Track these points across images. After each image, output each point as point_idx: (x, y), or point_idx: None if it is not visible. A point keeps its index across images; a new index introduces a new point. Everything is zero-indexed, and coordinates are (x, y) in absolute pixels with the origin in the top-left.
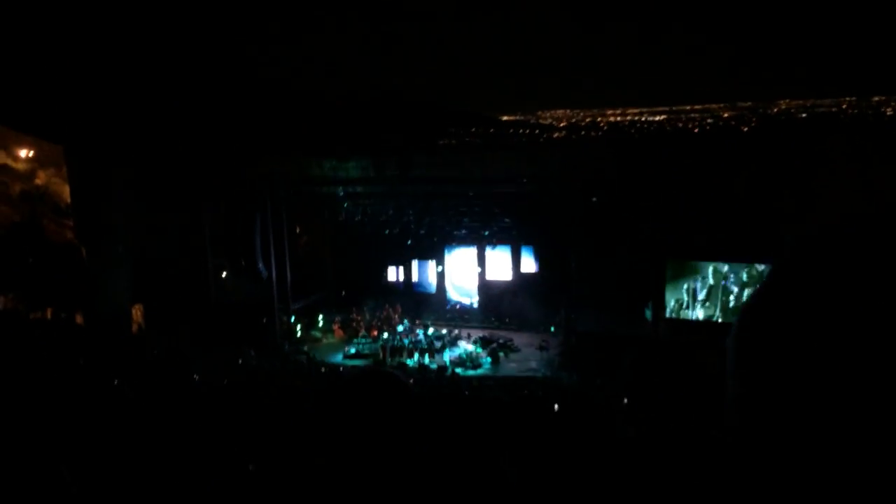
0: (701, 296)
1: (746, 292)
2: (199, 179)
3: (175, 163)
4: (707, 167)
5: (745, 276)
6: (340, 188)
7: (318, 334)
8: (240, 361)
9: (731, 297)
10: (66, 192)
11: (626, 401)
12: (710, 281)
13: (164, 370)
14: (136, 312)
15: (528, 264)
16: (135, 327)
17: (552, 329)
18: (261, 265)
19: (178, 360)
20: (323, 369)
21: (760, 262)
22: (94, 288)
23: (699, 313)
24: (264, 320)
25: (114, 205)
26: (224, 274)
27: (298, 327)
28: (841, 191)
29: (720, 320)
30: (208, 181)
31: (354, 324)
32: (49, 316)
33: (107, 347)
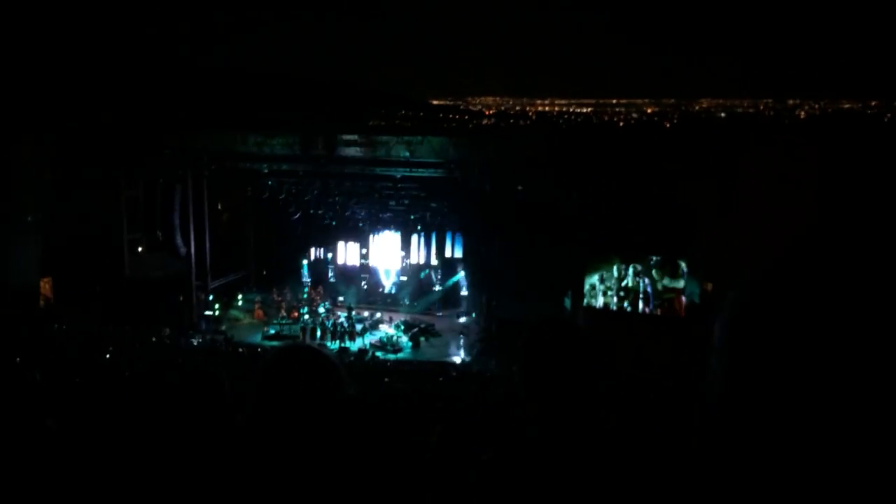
0: (608, 284)
1: (638, 283)
2: (115, 149)
3: (91, 131)
4: (630, 162)
5: (639, 267)
6: (265, 165)
7: (237, 314)
8: (153, 339)
9: (628, 286)
10: None
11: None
12: (615, 273)
13: (71, 348)
14: (45, 286)
15: (453, 250)
16: (42, 301)
17: (473, 315)
18: (179, 241)
19: (87, 339)
20: (241, 350)
21: (677, 257)
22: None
23: (600, 301)
24: (181, 298)
25: (22, 172)
26: (140, 249)
27: (217, 306)
28: (758, 191)
29: (615, 308)
30: (126, 152)
31: (275, 305)
32: None
33: (11, 322)
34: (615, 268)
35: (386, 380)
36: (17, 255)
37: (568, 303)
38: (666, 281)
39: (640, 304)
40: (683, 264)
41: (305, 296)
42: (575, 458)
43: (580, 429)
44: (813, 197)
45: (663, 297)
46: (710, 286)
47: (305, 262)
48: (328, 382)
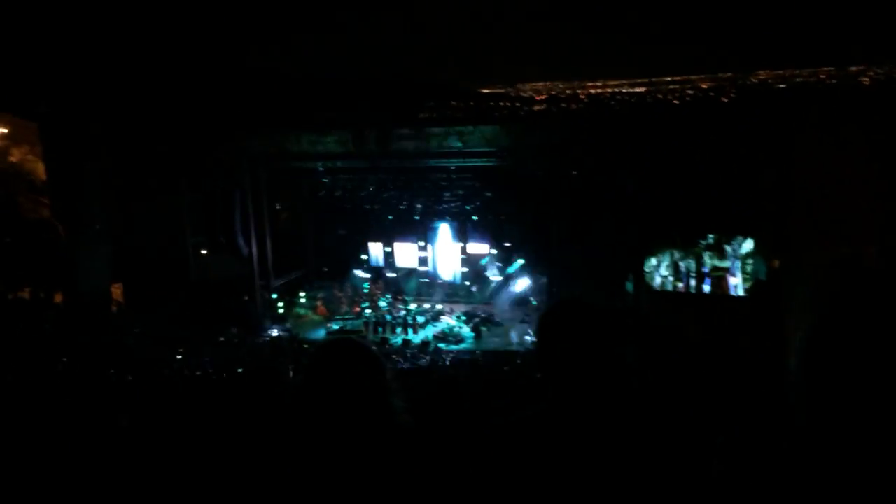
0: (664, 264)
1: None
2: (176, 156)
3: (152, 140)
4: (688, 139)
5: (699, 248)
6: (319, 163)
7: (301, 311)
8: (221, 339)
9: (683, 266)
10: (40, 169)
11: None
12: (670, 255)
13: (144, 351)
14: (116, 291)
15: (510, 238)
16: (114, 306)
17: (534, 303)
18: (241, 242)
19: (159, 341)
20: (306, 346)
21: (739, 235)
22: (72, 267)
23: (658, 283)
24: (246, 298)
25: (90, 182)
26: (204, 252)
27: (280, 304)
28: (820, 163)
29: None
30: (186, 158)
31: (337, 300)
32: (28, 296)
33: (87, 327)
34: (670, 250)
35: (450, 371)
36: (88, 263)
37: (630, 286)
38: (715, 261)
39: (693, 283)
40: (728, 246)
41: (367, 290)
42: (584, 436)
43: (593, 408)
44: (880, 169)
45: (711, 276)
46: (776, 263)
47: (364, 256)
48: (370, 371)
